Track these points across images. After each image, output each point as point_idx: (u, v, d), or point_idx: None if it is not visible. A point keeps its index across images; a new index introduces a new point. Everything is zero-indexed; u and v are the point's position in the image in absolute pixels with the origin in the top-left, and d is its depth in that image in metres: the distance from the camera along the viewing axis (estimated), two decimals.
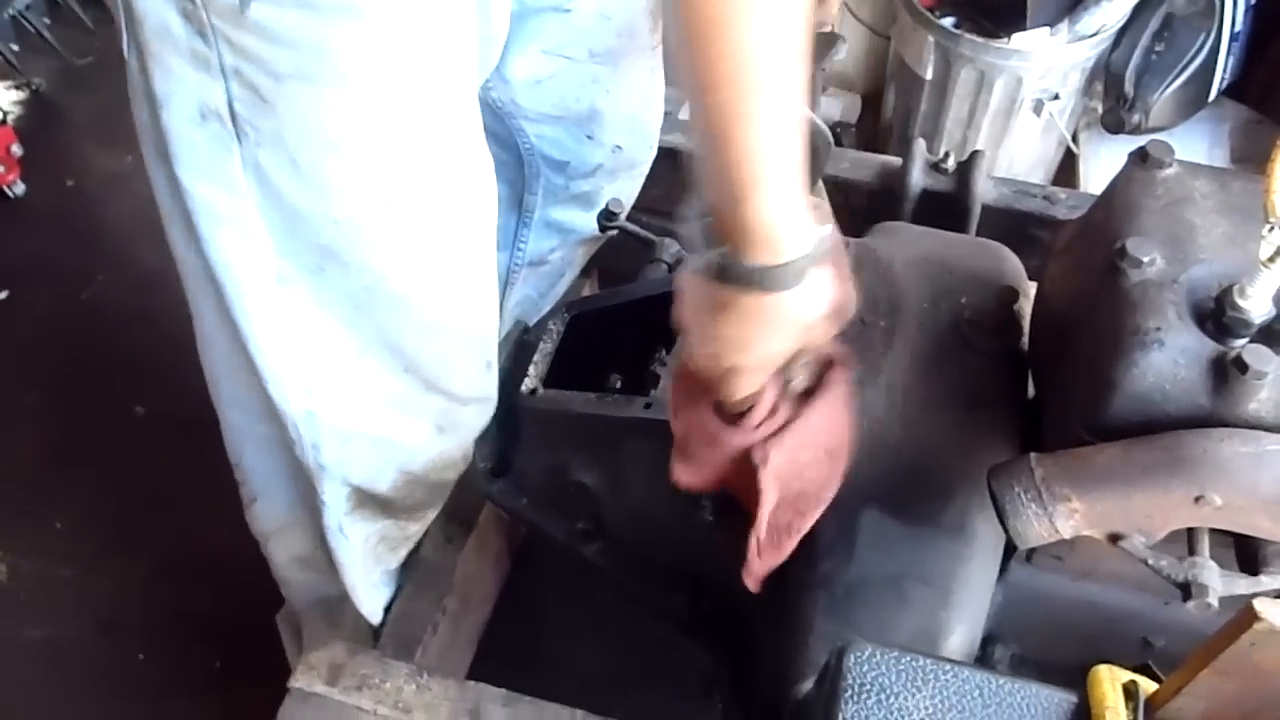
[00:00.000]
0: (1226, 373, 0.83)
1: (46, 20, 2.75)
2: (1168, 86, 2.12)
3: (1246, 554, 0.95)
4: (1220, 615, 0.74)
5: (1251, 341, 0.84)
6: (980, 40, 2.09)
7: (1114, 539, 0.87)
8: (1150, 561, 0.87)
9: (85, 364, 2.18)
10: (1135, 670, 0.64)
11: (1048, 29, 2.06)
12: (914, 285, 1.14)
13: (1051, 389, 1.02)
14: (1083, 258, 0.98)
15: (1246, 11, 2.08)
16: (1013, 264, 1.19)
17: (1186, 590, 0.87)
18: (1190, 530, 0.90)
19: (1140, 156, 0.99)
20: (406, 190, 0.97)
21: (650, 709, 1.23)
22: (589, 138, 1.35)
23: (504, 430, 1.26)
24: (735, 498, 0.98)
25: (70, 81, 2.77)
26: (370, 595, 1.30)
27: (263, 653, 1.61)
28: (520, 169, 1.39)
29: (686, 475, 0.97)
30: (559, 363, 1.26)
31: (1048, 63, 2.10)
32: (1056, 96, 2.14)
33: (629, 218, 1.40)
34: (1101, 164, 2.23)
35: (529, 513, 1.26)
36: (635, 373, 1.25)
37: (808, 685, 0.64)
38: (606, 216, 1.39)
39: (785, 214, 0.75)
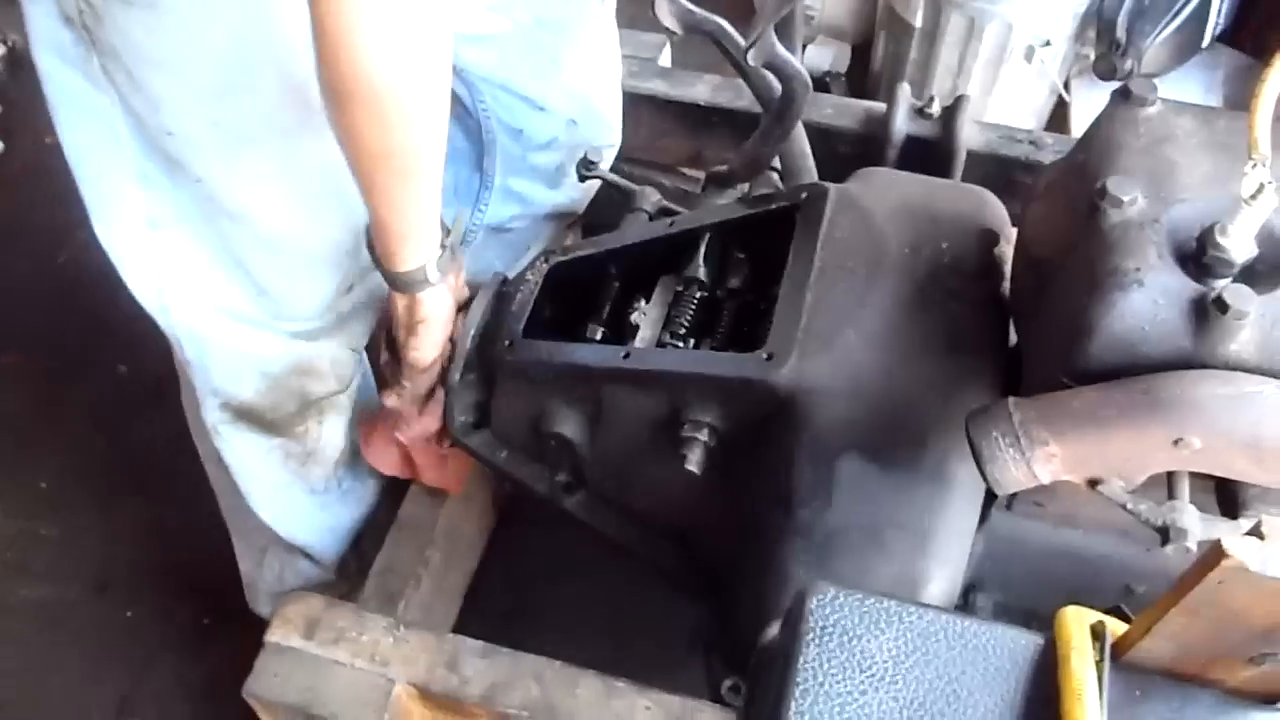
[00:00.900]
0: (1207, 313, 0.81)
1: None
2: (1160, 32, 2.08)
3: (1226, 497, 0.94)
4: None
5: (1233, 281, 0.83)
6: None
7: (1093, 484, 0.86)
8: (1129, 506, 0.86)
9: (66, 323, 2.16)
10: (1107, 612, 0.63)
11: None
12: (895, 231, 1.12)
13: (1031, 333, 1.01)
14: (1063, 199, 0.96)
15: None
16: (995, 208, 1.17)
17: (1165, 535, 0.86)
18: (1170, 474, 0.89)
19: (1123, 94, 0.97)
20: (232, 113, 1.00)
21: (636, 661, 1.23)
22: (541, 109, 1.37)
23: (482, 382, 1.25)
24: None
25: None
26: (272, 503, 1.36)
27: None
28: (479, 132, 1.40)
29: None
30: (538, 313, 1.24)
31: (1039, 8, 2.06)
32: (1048, 43, 2.11)
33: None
34: (1093, 112, 2.18)
35: (508, 465, 1.25)
36: (615, 323, 1.24)
37: (774, 630, 0.64)
38: (585, 165, 1.37)
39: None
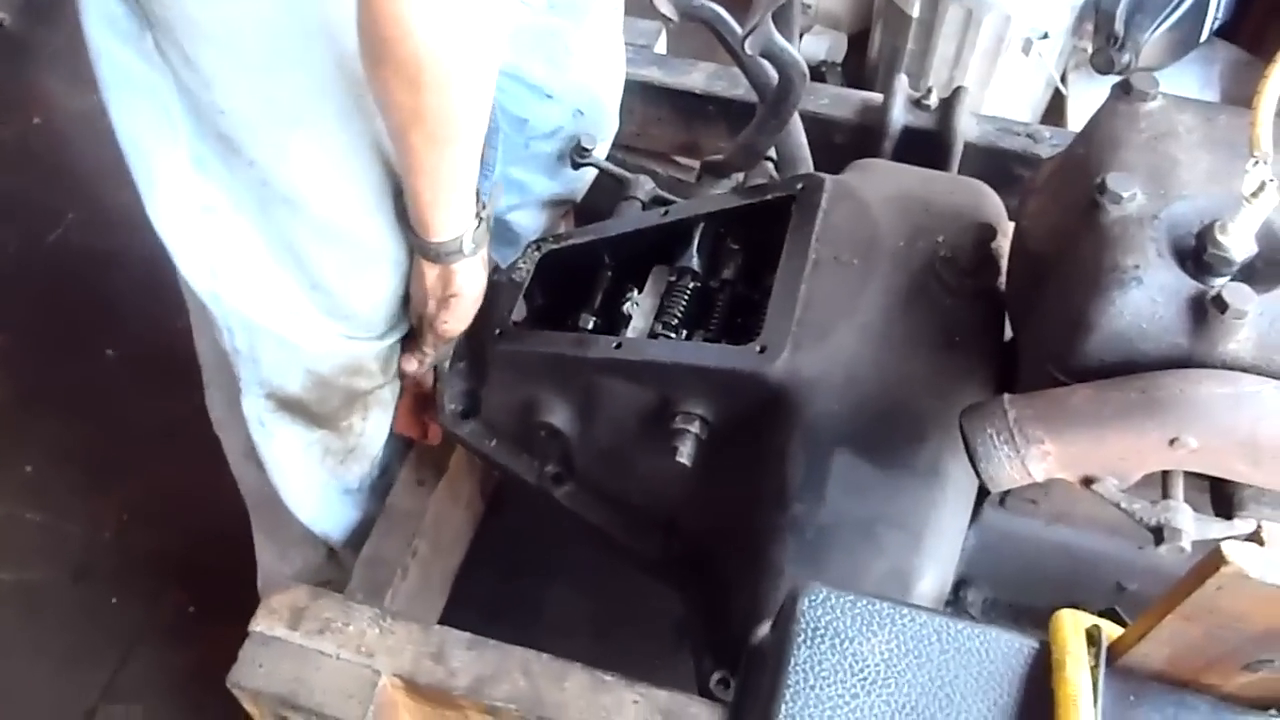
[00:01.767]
0: (1205, 312, 0.80)
1: None
2: (1159, 26, 2.07)
3: (1221, 497, 0.94)
4: (1193, 559, 0.73)
5: (1232, 280, 0.82)
6: None
7: (1087, 482, 0.86)
8: (1123, 505, 0.85)
9: (54, 306, 2.15)
10: (1101, 614, 0.62)
11: None
12: (890, 223, 1.11)
13: (1027, 329, 1.00)
14: (1062, 193, 0.95)
15: None
16: (992, 202, 1.16)
17: (1159, 534, 0.86)
18: (1165, 473, 0.89)
19: (1124, 88, 0.96)
20: (285, 89, 0.98)
21: (623, 654, 1.22)
22: (549, 97, 1.34)
23: (473, 370, 1.23)
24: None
25: (36, 16, 2.69)
26: (307, 500, 1.32)
27: (237, 595, 1.59)
28: None
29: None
30: (529, 302, 1.23)
31: (1037, 0, 2.05)
32: (1045, 35, 2.10)
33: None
34: (1090, 106, 2.16)
35: (498, 455, 1.24)
36: (607, 312, 1.23)
37: (765, 629, 0.63)
38: (579, 153, 1.36)
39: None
